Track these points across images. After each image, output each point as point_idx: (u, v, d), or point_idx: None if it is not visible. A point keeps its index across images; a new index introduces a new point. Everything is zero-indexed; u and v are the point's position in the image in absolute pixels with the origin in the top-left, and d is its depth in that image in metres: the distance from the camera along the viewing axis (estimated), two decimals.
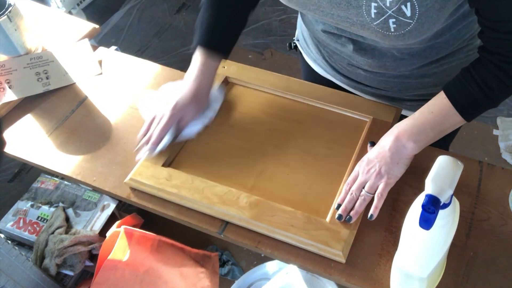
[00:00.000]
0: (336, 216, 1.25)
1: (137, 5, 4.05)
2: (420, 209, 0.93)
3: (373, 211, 1.24)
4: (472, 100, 1.16)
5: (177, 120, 1.41)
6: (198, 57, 1.43)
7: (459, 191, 1.30)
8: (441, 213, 0.97)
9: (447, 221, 1.00)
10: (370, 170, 1.25)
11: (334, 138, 1.44)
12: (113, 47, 1.79)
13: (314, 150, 1.41)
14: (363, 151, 1.36)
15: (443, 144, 1.47)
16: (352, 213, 1.24)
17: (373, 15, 1.09)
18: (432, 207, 0.92)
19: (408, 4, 1.04)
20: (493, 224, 1.26)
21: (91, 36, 1.82)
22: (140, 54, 3.65)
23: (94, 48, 1.77)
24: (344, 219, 1.24)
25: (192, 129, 1.46)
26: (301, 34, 1.64)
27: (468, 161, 1.36)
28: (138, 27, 3.90)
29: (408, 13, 1.06)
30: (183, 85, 1.43)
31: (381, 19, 1.09)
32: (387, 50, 1.29)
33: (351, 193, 1.26)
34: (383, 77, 1.41)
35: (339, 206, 1.27)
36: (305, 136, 1.45)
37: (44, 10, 1.92)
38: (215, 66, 1.44)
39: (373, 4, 1.08)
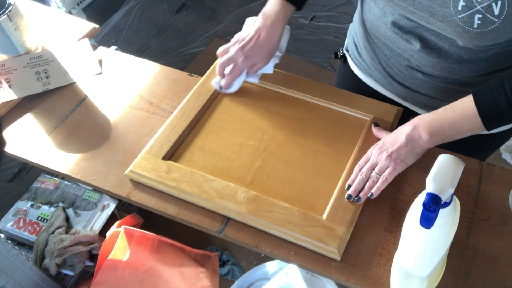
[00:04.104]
0: (346, 196, 1.28)
1: (137, 5, 4.06)
2: (421, 208, 0.94)
3: (374, 190, 1.27)
4: (497, 110, 1.15)
5: (248, 66, 1.50)
6: (274, 2, 1.47)
7: (459, 191, 1.30)
8: (442, 212, 0.97)
9: (447, 220, 1.00)
10: (382, 153, 1.27)
11: (334, 136, 1.44)
12: (113, 47, 1.79)
13: (313, 147, 1.42)
14: (362, 150, 1.36)
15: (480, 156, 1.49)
16: (361, 194, 1.27)
17: (459, 8, 1.09)
18: (433, 205, 0.92)
19: (499, 2, 1.04)
20: (493, 223, 1.26)
21: (91, 36, 1.82)
22: (140, 54, 3.66)
23: (94, 47, 1.77)
24: (353, 200, 1.27)
25: (261, 71, 1.57)
26: (352, 43, 1.64)
27: (468, 161, 1.36)
28: (138, 27, 3.91)
29: (497, 11, 1.06)
30: (258, 28, 1.47)
31: (467, 13, 1.09)
32: (455, 52, 1.28)
33: (362, 174, 1.29)
34: (442, 83, 1.40)
35: (349, 186, 1.29)
36: (305, 133, 1.45)
37: (44, 10, 1.92)
38: (291, 12, 1.48)
39: None
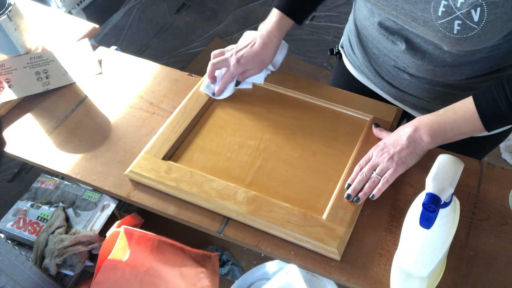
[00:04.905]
0: (345, 195, 1.27)
1: (137, 5, 4.05)
2: (420, 208, 0.94)
3: (376, 192, 1.26)
4: (498, 112, 1.14)
5: (240, 72, 1.51)
6: (274, 14, 1.48)
7: (459, 191, 1.30)
8: (442, 212, 0.97)
9: (447, 220, 1.00)
10: (384, 154, 1.27)
11: (333, 136, 1.44)
12: (113, 47, 1.79)
13: (313, 147, 1.41)
14: (362, 150, 1.36)
15: (477, 155, 1.49)
16: (360, 194, 1.27)
17: (440, 13, 1.09)
18: (432, 205, 0.92)
19: (479, 9, 1.04)
20: (493, 223, 1.26)
21: (91, 36, 1.81)
22: (140, 54, 3.65)
23: (94, 48, 1.77)
24: (352, 199, 1.27)
25: (253, 79, 1.57)
26: (347, 41, 1.64)
27: (468, 160, 1.36)
28: (138, 27, 3.90)
29: (476, 18, 1.05)
30: (255, 37, 1.49)
31: (447, 19, 1.09)
32: (440, 55, 1.28)
33: (362, 174, 1.28)
34: (429, 85, 1.40)
35: (349, 186, 1.29)
36: (305, 133, 1.45)
37: (44, 10, 1.92)
38: (288, 26, 1.49)
39: (443, 2, 1.08)
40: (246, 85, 1.56)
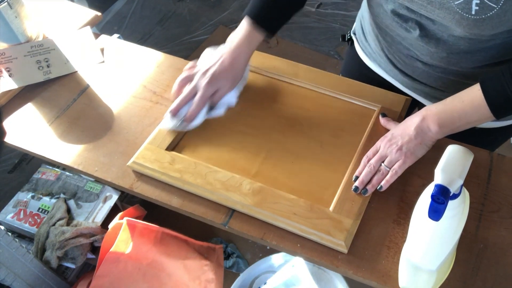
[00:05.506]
0: (353, 187, 1.26)
1: None
2: (429, 200, 0.93)
3: (384, 183, 1.25)
4: (506, 99, 1.13)
5: (212, 93, 1.40)
6: (244, 25, 1.41)
7: (469, 182, 1.28)
8: (451, 203, 0.97)
9: (456, 212, 1.00)
10: (392, 146, 1.26)
11: (341, 126, 1.42)
12: (116, 35, 1.78)
13: (320, 137, 1.40)
14: (370, 141, 1.35)
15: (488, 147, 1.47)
16: (368, 186, 1.26)
17: None
18: (441, 197, 0.91)
19: None
20: (504, 215, 1.25)
21: (93, 23, 1.80)
22: (143, 42, 3.65)
23: (96, 36, 1.75)
24: (360, 192, 1.26)
25: (225, 101, 1.45)
26: (359, 27, 1.62)
27: (478, 151, 1.35)
28: (141, 15, 3.89)
29: None
30: (222, 53, 1.41)
31: None
32: (454, 42, 1.25)
33: (370, 166, 1.27)
34: (442, 74, 1.38)
35: (356, 178, 1.28)
36: (312, 123, 1.44)
37: None
38: (258, 40, 1.41)
39: None
40: (218, 111, 1.46)
